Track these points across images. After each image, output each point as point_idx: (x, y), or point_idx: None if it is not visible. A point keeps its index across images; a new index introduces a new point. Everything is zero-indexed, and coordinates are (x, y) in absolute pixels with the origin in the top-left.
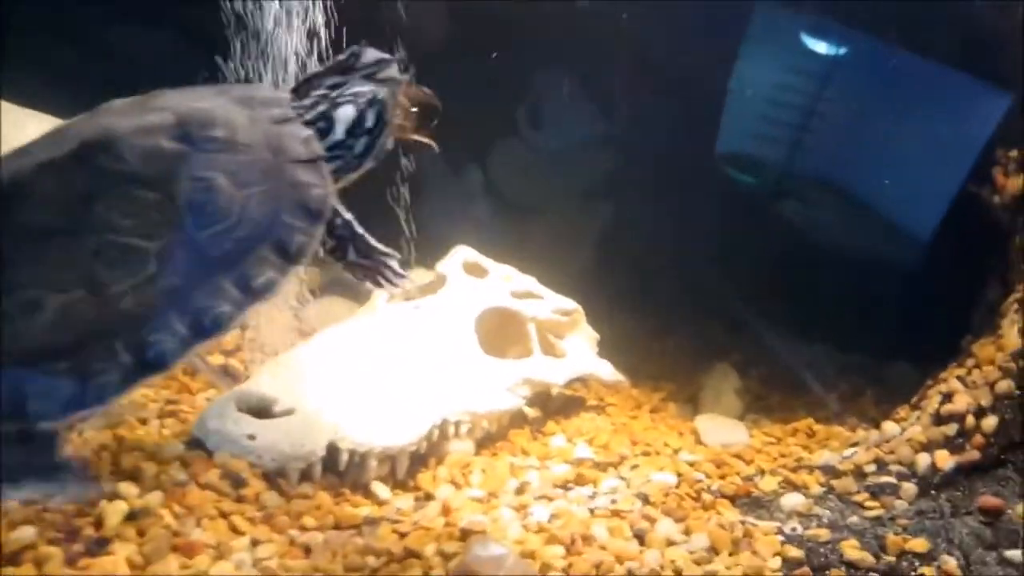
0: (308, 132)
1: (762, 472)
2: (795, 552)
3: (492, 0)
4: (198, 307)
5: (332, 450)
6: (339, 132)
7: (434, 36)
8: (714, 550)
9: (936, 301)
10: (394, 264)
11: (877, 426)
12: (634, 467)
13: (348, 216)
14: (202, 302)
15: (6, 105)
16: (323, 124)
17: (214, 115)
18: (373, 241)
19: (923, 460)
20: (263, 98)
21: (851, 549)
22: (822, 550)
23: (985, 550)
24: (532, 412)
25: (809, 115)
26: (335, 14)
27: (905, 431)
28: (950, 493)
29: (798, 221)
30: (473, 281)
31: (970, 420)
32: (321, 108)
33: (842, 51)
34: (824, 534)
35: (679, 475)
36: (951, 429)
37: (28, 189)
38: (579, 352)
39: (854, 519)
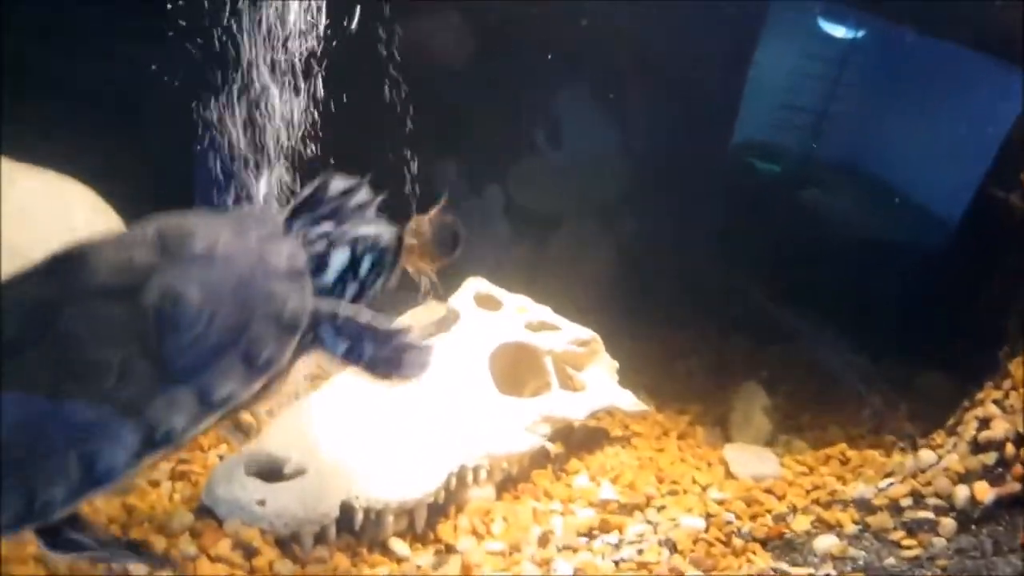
0: (294, 247)
1: (794, 510)
2: None
3: (508, 17)
4: (152, 420)
5: (346, 509)
6: (329, 278)
7: (452, 56)
8: None
9: (967, 299)
10: (414, 339)
11: (914, 445)
12: (661, 508)
13: (348, 312)
14: (157, 415)
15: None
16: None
17: (196, 230)
18: (385, 324)
19: (962, 492)
20: (257, 217)
21: None
22: None
23: None
24: (554, 448)
25: (829, 101)
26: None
27: (942, 459)
28: (991, 528)
29: (821, 210)
30: (486, 315)
31: (1010, 448)
32: (317, 248)
33: (861, 35)
34: None
35: (708, 516)
36: (990, 458)
37: (2, 302)
38: (599, 384)
39: (891, 560)
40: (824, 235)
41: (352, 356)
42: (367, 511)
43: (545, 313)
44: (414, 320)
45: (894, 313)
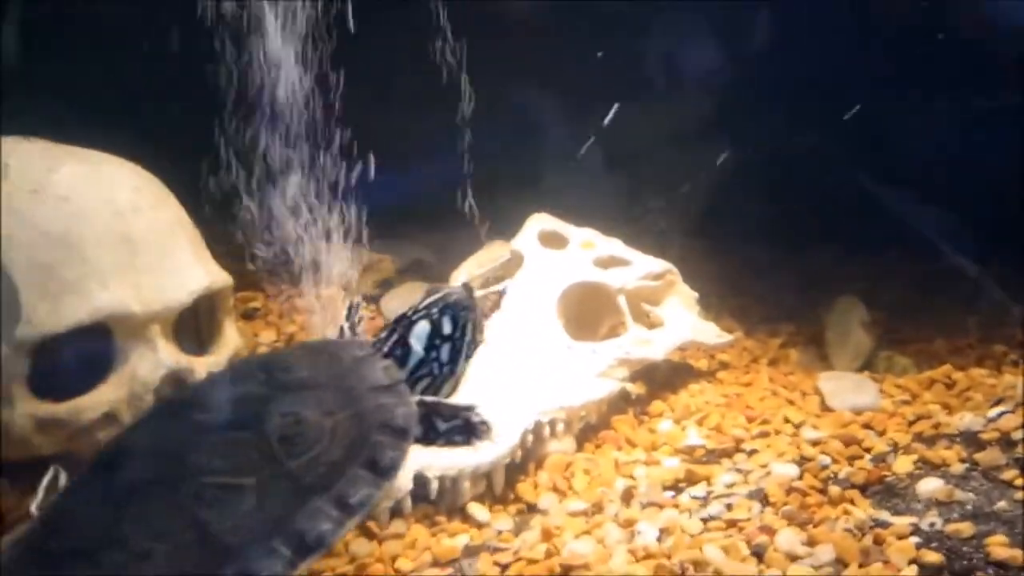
0: (387, 361)
1: (896, 448)
2: (933, 556)
3: None
4: (299, 529)
5: (420, 480)
6: (418, 349)
7: None
8: (842, 562)
9: None
10: (478, 412)
11: None
12: (752, 453)
13: (417, 396)
14: (303, 524)
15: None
16: (400, 351)
17: (295, 359)
18: (448, 401)
19: None
20: (345, 343)
21: (999, 547)
22: (965, 549)
23: None
24: (635, 389)
25: None
26: None
27: None
28: None
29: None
30: (551, 255)
31: None
32: (396, 336)
33: None
34: (967, 528)
35: (802, 460)
36: None
37: (130, 448)
38: (678, 318)
39: (1002, 504)
40: (928, 103)
41: (429, 434)
42: (442, 480)
43: (615, 247)
44: (476, 265)
45: (1011, 197)
